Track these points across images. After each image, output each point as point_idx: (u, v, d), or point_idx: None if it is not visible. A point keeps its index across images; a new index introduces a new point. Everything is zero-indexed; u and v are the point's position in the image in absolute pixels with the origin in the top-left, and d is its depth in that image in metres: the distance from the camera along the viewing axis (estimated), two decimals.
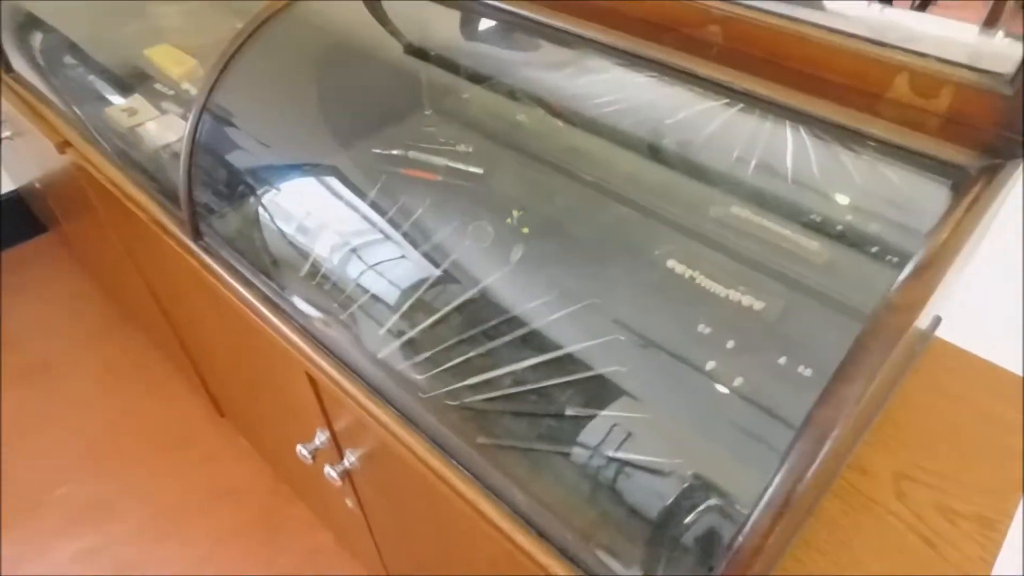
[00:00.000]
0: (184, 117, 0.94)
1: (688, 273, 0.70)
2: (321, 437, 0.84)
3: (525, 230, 0.72)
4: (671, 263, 0.71)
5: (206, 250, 0.77)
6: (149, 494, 1.41)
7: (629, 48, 0.69)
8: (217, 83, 0.71)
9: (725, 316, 0.66)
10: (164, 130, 0.90)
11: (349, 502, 0.95)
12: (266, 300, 0.72)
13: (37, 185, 1.44)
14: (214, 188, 0.78)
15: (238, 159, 0.80)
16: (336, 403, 0.74)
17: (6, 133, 1.28)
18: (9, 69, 1.07)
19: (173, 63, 1.00)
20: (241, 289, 0.73)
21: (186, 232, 0.78)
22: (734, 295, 0.68)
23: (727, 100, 0.68)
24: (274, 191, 0.80)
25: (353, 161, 0.82)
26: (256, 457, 1.45)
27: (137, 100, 0.97)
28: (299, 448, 0.84)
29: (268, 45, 0.78)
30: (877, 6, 0.79)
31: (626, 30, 0.69)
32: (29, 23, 1.10)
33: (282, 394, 0.88)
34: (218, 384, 1.30)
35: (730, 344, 0.63)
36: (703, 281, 0.70)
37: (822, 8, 0.69)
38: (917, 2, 0.86)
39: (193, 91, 0.97)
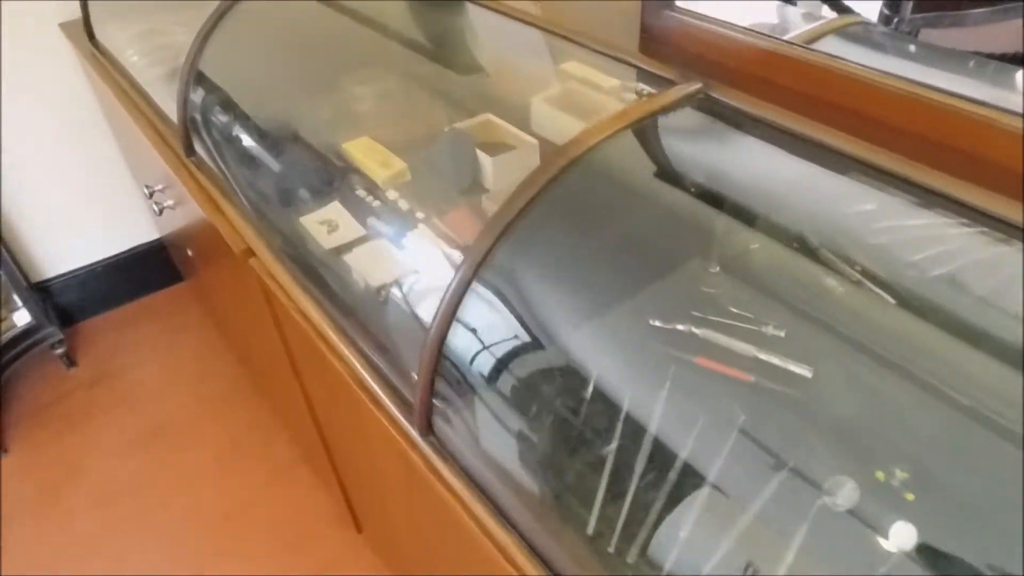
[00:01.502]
0: (397, 244, 0.78)
1: None
2: None
3: (909, 496, 0.50)
4: None
5: (434, 448, 0.59)
6: None
7: None
8: (484, 262, 0.53)
9: None
10: (377, 264, 0.73)
11: None
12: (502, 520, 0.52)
13: (189, 253, 1.33)
14: (459, 372, 0.60)
15: (486, 337, 0.62)
16: None
17: (169, 202, 1.17)
18: (190, 153, 0.94)
19: (378, 164, 0.84)
20: (482, 515, 0.54)
21: (413, 422, 0.59)
22: None
23: None
24: (529, 386, 0.61)
25: (629, 340, 0.62)
26: None
27: (336, 210, 0.81)
28: None
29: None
30: None
31: None
32: (212, 100, 0.97)
33: None
34: (368, 512, 1.13)
35: None
36: None
37: None
38: None
39: (403, 204, 0.80)
